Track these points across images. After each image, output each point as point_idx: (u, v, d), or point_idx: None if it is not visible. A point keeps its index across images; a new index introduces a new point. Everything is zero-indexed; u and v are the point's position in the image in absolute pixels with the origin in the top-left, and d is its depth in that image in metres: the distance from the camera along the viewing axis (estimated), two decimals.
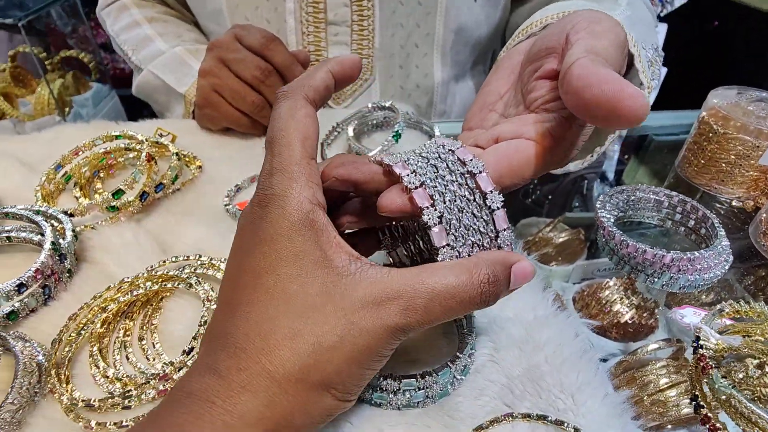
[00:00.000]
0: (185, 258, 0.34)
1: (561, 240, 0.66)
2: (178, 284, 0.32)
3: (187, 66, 0.57)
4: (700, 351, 0.27)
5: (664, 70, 0.72)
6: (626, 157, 0.79)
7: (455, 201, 0.23)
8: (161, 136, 0.48)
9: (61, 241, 0.34)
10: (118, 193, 0.38)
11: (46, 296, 0.32)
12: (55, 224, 0.35)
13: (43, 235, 0.34)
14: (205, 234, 0.38)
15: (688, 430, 0.42)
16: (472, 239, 0.23)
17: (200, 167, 0.46)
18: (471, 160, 0.23)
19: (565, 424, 0.26)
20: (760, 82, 0.51)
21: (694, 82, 0.79)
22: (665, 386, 0.43)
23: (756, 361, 0.30)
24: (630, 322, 0.55)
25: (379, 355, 0.21)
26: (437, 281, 0.21)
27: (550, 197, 0.81)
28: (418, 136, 0.50)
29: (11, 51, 1.03)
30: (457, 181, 0.23)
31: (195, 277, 0.32)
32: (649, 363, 0.45)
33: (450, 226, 0.22)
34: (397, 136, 0.45)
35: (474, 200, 0.23)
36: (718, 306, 0.30)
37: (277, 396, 0.20)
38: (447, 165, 0.23)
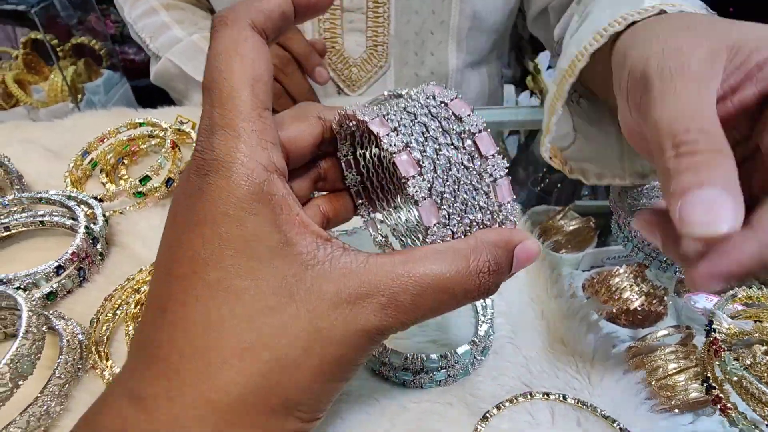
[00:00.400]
0: None
1: (571, 228, 0.67)
2: None
3: (204, 54, 0.58)
4: (713, 334, 0.28)
5: None
6: None
7: (450, 169, 0.18)
8: (182, 123, 0.48)
9: (92, 225, 0.35)
10: (145, 179, 0.39)
11: (81, 278, 0.33)
12: (86, 209, 0.36)
13: (74, 219, 0.36)
14: None
15: (694, 414, 0.43)
16: (471, 217, 0.19)
17: None
18: (469, 115, 0.19)
19: (582, 402, 0.27)
20: None
21: None
22: (674, 371, 0.44)
23: (764, 348, 0.31)
24: (639, 308, 0.56)
25: (353, 364, 0.17)
26: (427, 272, 0.17)
27: (559, 185, 0.82)
28: None
29: (23, 38, 1.03)
30: (452, 143, 0.19)
31: None
32: (658, 348, 0.46)
33: (442, 200, 0.18)
34: None
35: (473, 168, 0.19)
36: (731, 291, 0.31)
37: (223, 430, 0.15)
38: (439, 122, 0.19)
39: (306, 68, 0.50)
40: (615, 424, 0.26)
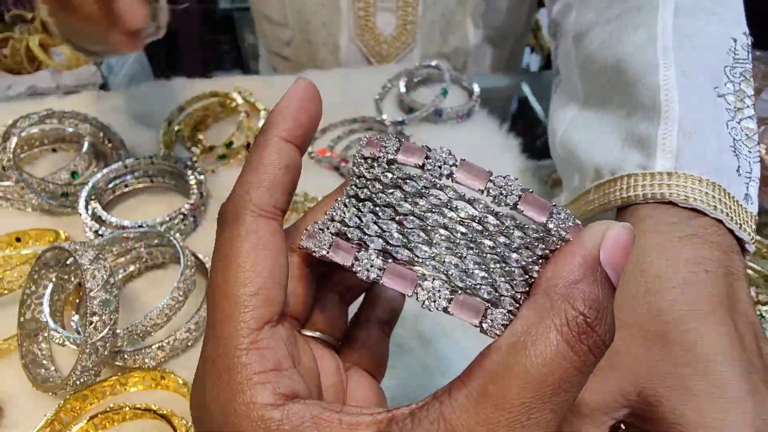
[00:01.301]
0: (295, 195, 0.44)
1: None
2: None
3: None
4: None
5: None
6: None
7: (453, 233, 0.14)
8: (239, 93, 0.56)
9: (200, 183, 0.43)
10: (229, 144, 0.47)
11: (195, 224, 0.42)
12: (189, 171, 0.45)
13: (177, 178, 0.44)
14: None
15: None
16: (513, 262, 0.14)
17: None
18: (427, 157, 0.14)
19: None
20: None
21: None
22: None
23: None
24: None
25: None
26: (518, 385, 0.12)
27: None
28: (460, 93, 0.59)
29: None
30: (432, 206, 0.14)
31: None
32: None
33: (472, 278, 0.14)
34: (445, 92, 0.54)
35: (478, 214, 0.14)
36: None
37: None
38: (403, 190, 0.14)
39: None
40: None
